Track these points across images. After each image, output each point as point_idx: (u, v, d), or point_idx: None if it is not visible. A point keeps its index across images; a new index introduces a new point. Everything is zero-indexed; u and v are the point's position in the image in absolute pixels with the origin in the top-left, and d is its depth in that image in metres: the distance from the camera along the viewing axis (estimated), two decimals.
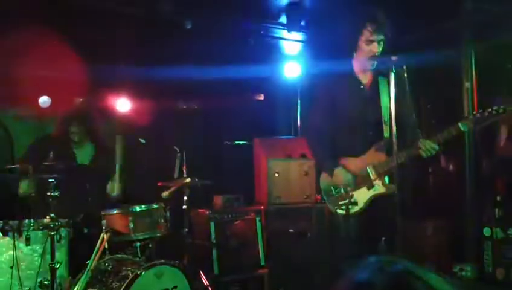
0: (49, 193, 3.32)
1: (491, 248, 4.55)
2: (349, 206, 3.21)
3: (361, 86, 3.44)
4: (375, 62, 3.33)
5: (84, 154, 4.22)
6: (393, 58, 3.15)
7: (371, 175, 3.33)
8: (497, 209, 4.92)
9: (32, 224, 3.33)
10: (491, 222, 4.78)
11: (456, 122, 3.11)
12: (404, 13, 4.79)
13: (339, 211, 3.25)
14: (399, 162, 3.11)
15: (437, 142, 3.13)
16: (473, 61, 4.69)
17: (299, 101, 6.55)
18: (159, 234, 3.90)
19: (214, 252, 4.90)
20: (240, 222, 5.16)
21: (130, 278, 3.31)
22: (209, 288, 4.17)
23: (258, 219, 5.26)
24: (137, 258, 3.70)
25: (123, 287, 3.27)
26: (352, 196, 3.26)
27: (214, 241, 4.95)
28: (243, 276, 5.01)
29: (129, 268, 3.46)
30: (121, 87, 5.26)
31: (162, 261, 3.56)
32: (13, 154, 4.87)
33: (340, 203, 3.27)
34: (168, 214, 4.01)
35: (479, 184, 4.91)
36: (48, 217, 3.30)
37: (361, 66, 3.44)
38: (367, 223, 3.30)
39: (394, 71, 3.10)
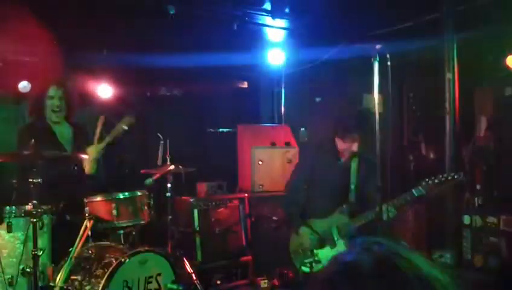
0: (30, 180, 3.27)
1: (470, 235, 4.64)
2: (313, 264, 3.56)
3: (339, 161, 3.92)
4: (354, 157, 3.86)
5: (63, 134, 4.10)
6: (377, 46, 3.21)
7: (334, 235, 3.71)
8: (476, 198, 5.02)
9: (13, 211, 3.28)
10: (470, 210, 4.87)
11: (410, 190, 3.44)
12: (388, 3, 4.82)
13: (303, 268, 3.60)
14: (358, 225, 3.62)
15: (394, 207, 3.46)
16: (455, 52, 4.73)
17: (283, 89, 6.55)
18: (142, 221, 3.89)
19: (198, 239, 4.92)
20: (224, 210, 5.17)
21: (113, 265, 3.29)
22: (193, 275, 4.18)
23: (241, 206, 5.28)
24: (121, 246, 3.69)
25: (107, 274, 3.25)
26: (316, 255, 3.66)
27: (198, 229, 4.96)
28: (227, 263, 5.04)
29: (113, 255, 3.44)
30: (102, 73, 5.18)
31: (146, 248, 3.55)
32: None
33: (305, 261, 3.61)
34: (151, 201, 3.99)
35: (459, 172, 4.98)
36: (29, 203, 3.25)
37: (344, 150, 3.87)
38: None
39: (378, 59, 3.16)
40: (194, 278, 4.17)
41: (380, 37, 3.45)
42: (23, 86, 4.90)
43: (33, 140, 3.35)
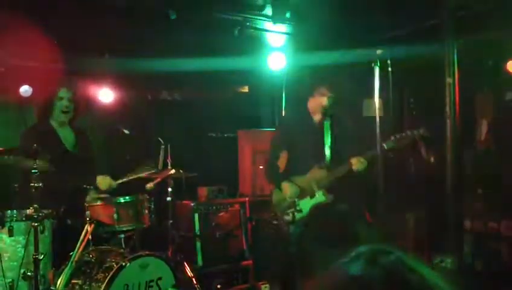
0: (32, 184, 3.27)
1: (471, 240, 4.64)
2: (295, 213, 3.84)
3: (313, 121, 4.17)
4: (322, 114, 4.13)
5: (67, 137, 4.12)
6: (378, 51, 3.24)
7: (313, 187, 3.95)
8: (477, 202, 5.02)
9: (15, 215, 3.29)
10: (471, 214, 4.87)
11: (381, 143, 3.72)
12: (388, 8, 4.83)
13: (285, 217, 3.92)
14: (336, 177, 3.90)
15: (366, 159, 3.78)
16: (455, 56, 4.75)
17: (283, 94, 6.56)
18: (143, 226, 3.89)
19: (198, 243, 4.92)
20: (224, 214, 5.18)
21: (114, 270, 3.30)
22: (194, 279, 4.18)
23: (242, 210, 5.28)
24: (122, 250, 3.69)
25: (108, 278, 3.26)
26: (298, 205, 3.91)
27: (198, 233, 4.96)
28: (227, 267, 5.04)
29: (113, 259, 3.45)
30: (104, 77, 5.20)
31: (147, 252, 3.56)
32: None
33: (287, 211, 3.91)
34: (152, 205, 4.00)
35: (459, 176, 4.99)
36: (31, 208, 3.26)
37: (314, 108, 4.14)
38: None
39: (378, 64, 3.19)
40: (195, 282, 4.18)
41: (381, 43, 3.48)
42: (25, 90, 4.92)
43: (33, 144, 3.36)
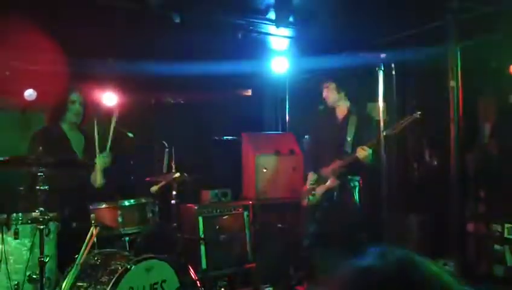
0: (37, 187, 3.30)
1: (474, 243, 4.64)
2: (310, 197, 4.55)
3: (337, 120, 4.60)
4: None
5: (76, 140, 4.16)
6: (382, 55, 3.25)
7: (328, 175, 4.46)
8: (480, 205, 5.02)
9: (20, 218, 3.31)
10: (474, 217, 4.87)
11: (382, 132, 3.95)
12: (391, 11, 4.85)
13: (304, 200, 4.60)
14: (342, 165, 4.37)
15: (368, 147, 4.12)
16: (459, 60, 4.75)
17: (287, 97, 6.57)
18: (147, 229, 3.91)
19: (202, 246, 4.93)
20: (228, 217, 5.19)
21: (119, 272, 3.31)
22: (198, 282, 4.19)
23: (246, 213, 5.29)
24: (126, 253, 3.71)
25: (113, 281, 3.27)
26: (313, 189, 4.55)
27: (202, 236, 4.97)
28: (231, 270, 5.05)
29: (118, 262, 3.46)
30: (108, 81, 5.22)
31: (151, 255, 3.57)
32: None
33: (306, 195, 4.59)
34: (156, 208, 4.02)
35: (462, 179, 4.99)
36: (36, 211, 3.28)
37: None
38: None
39: (382, 68, 3.21)
40: (199, 285, 4.18)
41: (385, 46, 3.50)
42: (29, 94, 4.94)
43: (42, 147, 3.38)
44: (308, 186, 4.63)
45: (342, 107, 4.60)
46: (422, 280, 0.83)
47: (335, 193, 4.44)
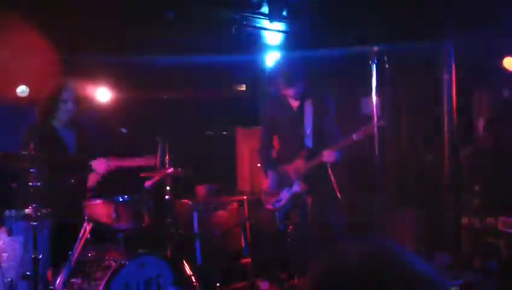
0: (30, 183, 3.27)
1: (469, 236, 4.66)
2: (275, 203, 4.18)
3: (291, 109, 4.22)
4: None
5: (68, 137, 4.14)
6: (375, 48, 3.23)
7: (291, 177, 4.14)
8: (475, 199, 5.04)
9: (13, 214, 3.29)
10: (469, 211, 4.89)
11: (351, 135, 3.83)
12: (386, 5, 4.84)
13: (268, 206, 4.24)
14: (309, 167, 4.07)
15: (336, 150, 3.96)
16: (452, 53, 4.76)
17: None
18: (142, 224, 3.89)
19: (197, 241, 4.92)
20: (223, 212, 5.18)
21: (113, 268, 3.31)
22: (193, 277, 4.18)
23: (240, 209, 5.29)
24: (121, 248, 3.69)
25: (107, 277, 3.26)
26: (278, 194, 4.19)
27: (197, 231, 4.96)
28: (226, 265, 5.04)
29: (112, 258, 3.45)
30: (101, 76, 5.19)
31: (146, 250, 3.56)
32: None
33: (270, 200, 4.22)
34: (151, 204, 4.00)
35: (457, 174, 5.01)
36: (29, 207, 3.26)
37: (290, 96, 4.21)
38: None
39: (376, 61, 3.19)
40: (194, 280, 4.17)
41: (378, 39, 3.49)
42: (22, 90, 4.90)
43: (34, 143, 3.36)
44: (268, 188, 4.26)
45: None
46: (398, 270, 0.83)
47: (303, 198, 4.16)
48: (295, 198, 4.16)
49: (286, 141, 4.30)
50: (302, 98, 4.19)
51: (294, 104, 4.22)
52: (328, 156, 3.98)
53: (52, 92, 4.07)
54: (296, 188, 4.14)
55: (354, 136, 3.83)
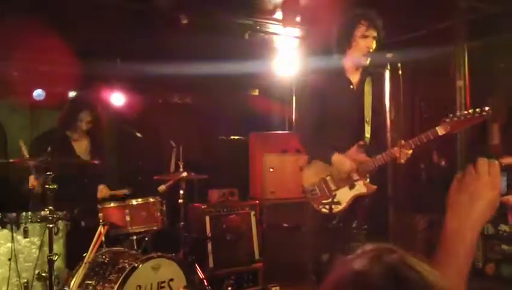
0: (47, 186, 3.34)
1: (482, 243, 4.62)
2: (333, 206, 3.30)
3: (351, 86, 3.45)
4: (369, 58, 3.34)
5: (81, 145, 4.22)
6: (388, 55, 3.22)
7: (353, 176, 3.33)
8: None
9: (30, 216, 3.35)
10: None
11: (434, 127, 3.10)
12: (399, 11, 4.84)
13: (323, 209, 3.34)
14: (378, 165, 3.26)
15: (410, 148, 3.13)
16: (466, 60, 4.74)
17: (293, 96, 6.58)
18: (155, 228, 3.94)
19: (209, 245, 4.94)
20: (235, 216, 5.20)
21: (127, 270, 3.34)
22: (205, 281, 4.21)
23: (252, 213, 5.30)
24: (134, 251, 3.74)
25: (120, 279, 3.30)
26: (335, 196, 3.34)
27: (209, 235, 4.99)
28: (238, 269, 5.06)
29: (126, 261, 3.49)
30: (116, 81, 5.26)
31: (159, 253, 3.60)
32: (6, 147, 4.88)
33: (324, 202, 3.35)
34: (164, 207, 4.05)
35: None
36: (46, 209, 3.32)
37: (354, 63, 3.43)
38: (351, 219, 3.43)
39: (389, 68, 3.18)
40: (206, 284, 4.20)
41: (391, 46, 3.48)
42: (38, 94, 4.99)
43: (50, 148, 3.43)
44: (317, 183, 3.41)
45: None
46: (416, 285, 0.84)
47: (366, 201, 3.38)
48: (359, 201, 3.38)
49: (338, 127, 3.40)
50: (363, 72, 3.45)
51: (355, 80, 3.46)
52: (402, 155, 3.13)
53: (69, 111, 4.18)
54: (363, 189, 3.33)
55: (438, 130, 3.06)
